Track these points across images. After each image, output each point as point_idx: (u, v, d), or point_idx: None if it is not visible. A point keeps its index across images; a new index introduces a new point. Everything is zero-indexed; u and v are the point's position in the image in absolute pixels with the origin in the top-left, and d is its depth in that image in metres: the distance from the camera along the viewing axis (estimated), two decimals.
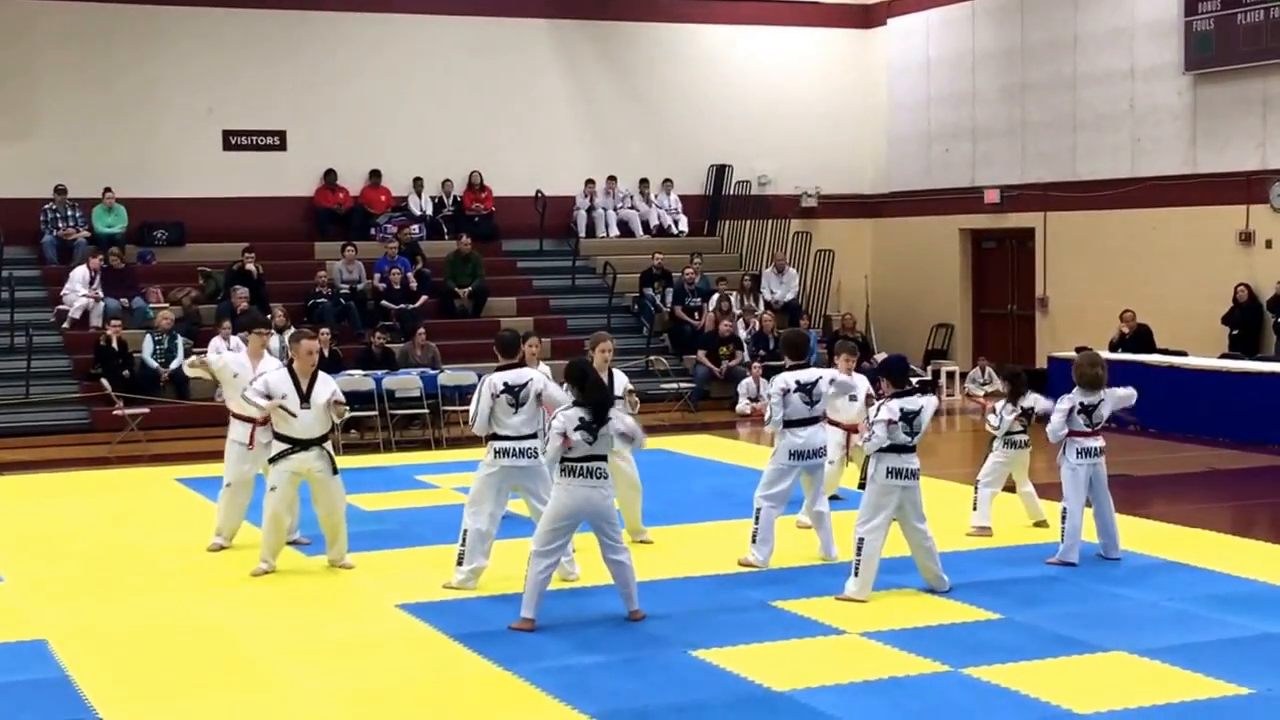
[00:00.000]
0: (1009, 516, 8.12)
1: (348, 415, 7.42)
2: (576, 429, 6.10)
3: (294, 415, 7.09)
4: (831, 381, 7.40)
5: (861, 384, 8.31)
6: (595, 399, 6.15)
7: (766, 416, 7.43)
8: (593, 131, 17.52)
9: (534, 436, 6.82)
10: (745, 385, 14.61)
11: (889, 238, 18.43)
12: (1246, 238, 14.12)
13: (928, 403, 6.72)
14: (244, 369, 7.79)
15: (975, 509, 8.01)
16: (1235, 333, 13.80)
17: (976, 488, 8.05)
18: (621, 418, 6.42)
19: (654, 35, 17.72)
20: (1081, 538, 7.26)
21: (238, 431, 7.78)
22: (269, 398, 7.12)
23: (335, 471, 7.26)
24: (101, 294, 14.39)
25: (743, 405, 14.49)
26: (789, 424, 7.27)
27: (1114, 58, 15.24)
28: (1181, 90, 14.55)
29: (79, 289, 14.34)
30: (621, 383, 7.59)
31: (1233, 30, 13.90)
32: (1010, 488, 8.19)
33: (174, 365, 13.51)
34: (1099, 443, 7.30)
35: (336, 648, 6.05)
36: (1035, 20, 16.20)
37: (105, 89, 15.62)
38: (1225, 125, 14.19)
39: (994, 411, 8.17)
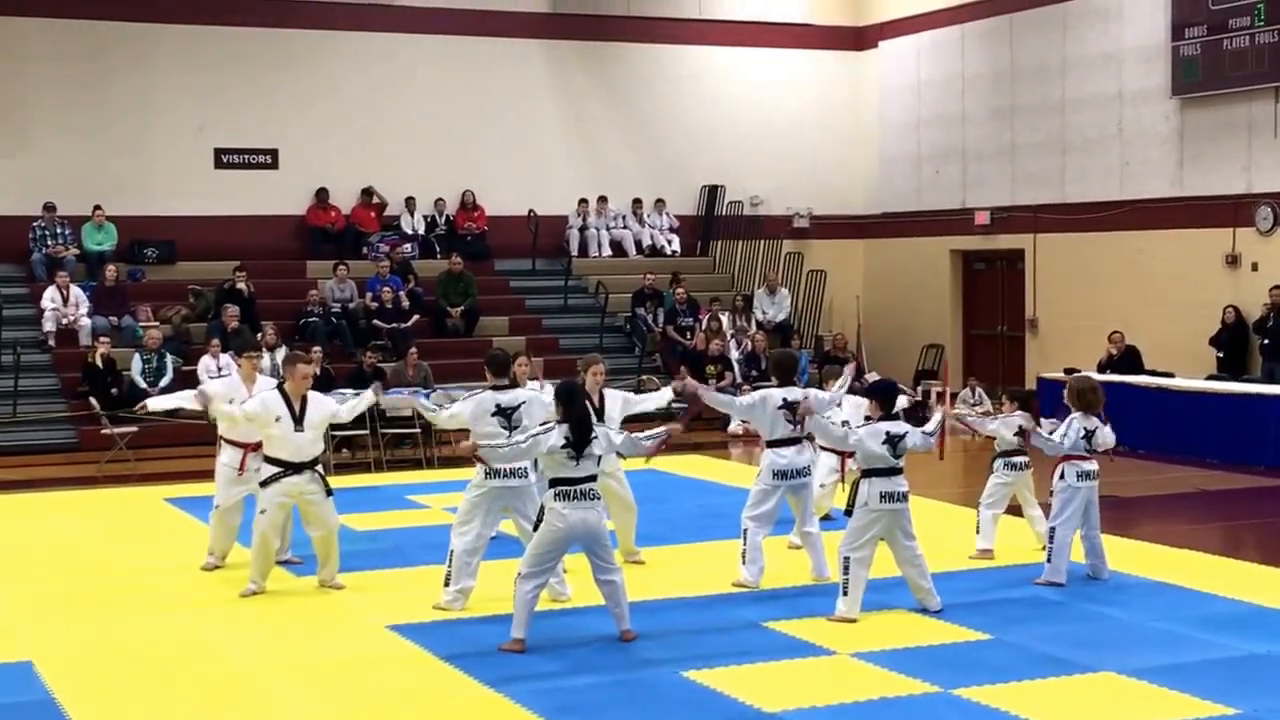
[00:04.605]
0: (1014, 539, 8.08)
1: (377, 398, 7.52)
2: (562, 446, 6.11)
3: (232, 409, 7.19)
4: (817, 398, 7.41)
5: (851, 404, 8.30)
6: (579, 422, 6.16)
7: (726, 398, 7.48)
8: (585, 151, 17.59)
9: None
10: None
11: (880, 258, 18.51)
12: (1233, 260, 14.22)
13: (912, 430, 6.74)
14: (239, 394, 7.75)
15: (978, 532, 7.99)
16: (1222, 354, 13.88)
17: (979, 510, 8.03)
18: (610, 436, 6.41)
19: (647, 56, 17.82)
20: (1069, 557, 7.28)
21: (228, 456, 7.75)
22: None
23: (329, 493, 7.24)
24: (78, 312, 14.37)
25: (734, 425, 14.50)
26: (773, 444, 7.28)
27: (1102, 81, 15.37)
28: (1169, 114, 14.68)
29: (49, 307, 14.30)
30: (615, 403, 7.57)
31: (1219, 55, 14.04)
32: (1017, 510, 8.15)
33: (163, 384, 13.49)
34: (1096, 466, 7.32)
35: (326, 668, 6.03)
36: (1024, 44, 16.34)
37: (96, 106, 15.64)
38: (1212, 149, 14.31)
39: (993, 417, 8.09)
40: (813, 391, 7.64)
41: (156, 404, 8.08)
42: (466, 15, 16.94)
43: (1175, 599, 7.02)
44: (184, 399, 7.95)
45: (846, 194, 18.60)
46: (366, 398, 7.48)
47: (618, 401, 7.56)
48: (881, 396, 6.84)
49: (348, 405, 7.45)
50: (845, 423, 7.26)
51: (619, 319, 16.53)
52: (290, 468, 7.12)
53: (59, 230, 15.30)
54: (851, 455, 7.55)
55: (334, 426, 8.37)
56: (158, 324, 14.37)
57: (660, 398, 7.97)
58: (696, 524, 9.16)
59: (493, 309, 16.09)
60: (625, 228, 17.67)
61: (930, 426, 6.87)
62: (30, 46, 15.46)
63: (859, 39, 18.62)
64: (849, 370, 8.28)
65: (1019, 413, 7.85)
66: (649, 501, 8.64)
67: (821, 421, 7.05)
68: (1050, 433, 7.30)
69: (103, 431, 12.58)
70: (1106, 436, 7.35)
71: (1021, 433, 7.85)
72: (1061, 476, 7.26)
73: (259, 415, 7.14)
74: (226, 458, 7.75)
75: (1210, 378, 13.48)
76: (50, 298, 14.43)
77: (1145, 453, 12.21)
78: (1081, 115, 15.61)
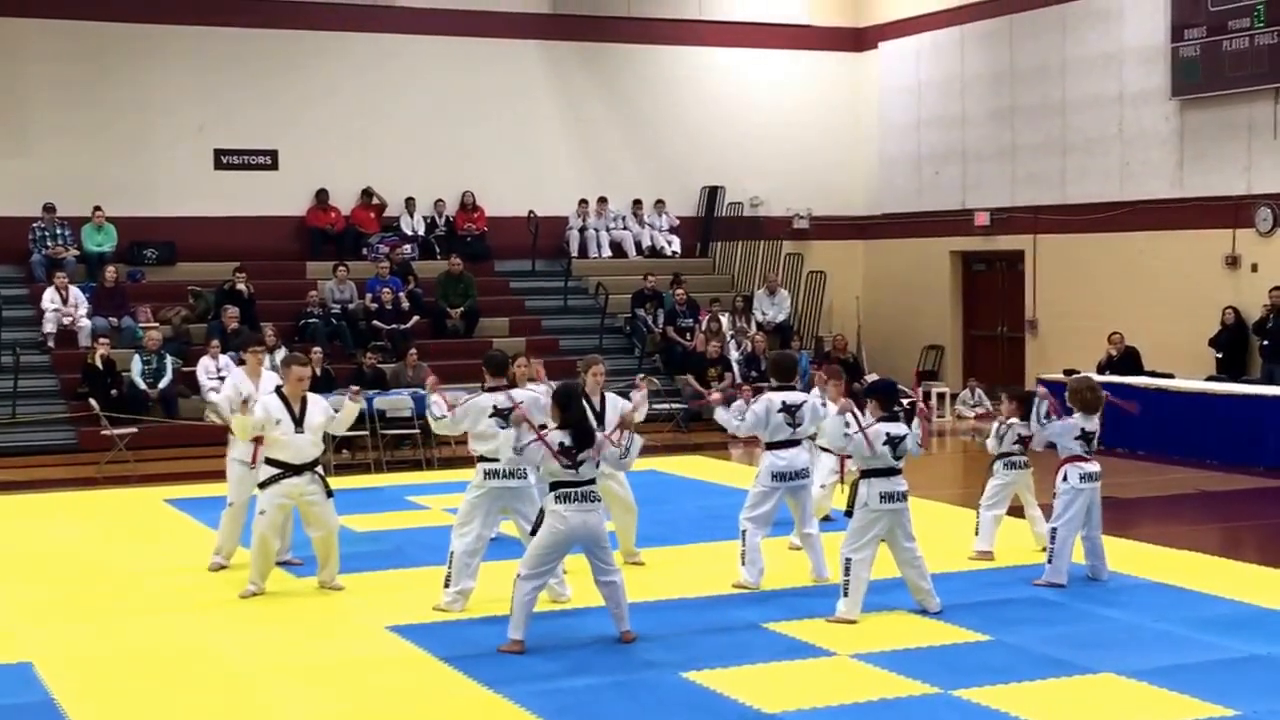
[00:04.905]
0: (1013, 540, 8.08)
1: (359, 405, 7.39)
2: (557, 452, 6.11)
3: (250, 409, 7.07)
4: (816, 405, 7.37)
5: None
6: (578, 426, 6.15)
7: (737, 422, 7.36)
8: (585, 152, 17.60)
9: None
10: (737, 407, 14.57)
11: (880, 259, 18.52)
12: (1233, 261, 14.22)
13: (911, 432, 6.74)
14: (248, 389, 7.76)
15: (977, 533, 7.98)
16: (1221, 355, 13.88)
17: (979, 511, 8.01)
18: (604, 449, 6.33)
19: (647, 57, 17.83)
20: (1070, 559, 7.28)
21: (240, 450, 7.76)
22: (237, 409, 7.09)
23: (329, 495, 7.24)
24: (77, 313, 14.36)
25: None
26: (771, 445, 7.28)
27: (1102, 82, 15.38)
28: (1169, 115, 14.68)
29: (48, 308, 14.30)
30: (614, 405, 7.53)
31: (1218, 56, 14.04)
32: (1018, 511, 8.14)
33: (162, 385, 13.50)
34: (1099, 468, 7.31)
35: (325, 669, 6.03)
36: (1024, 45, 16.35)
37: (96, 107, 15.63)
38: (1211, 150, 14.32)
39: (994, 433, 8.07)
40: (815, 397, 7.62)
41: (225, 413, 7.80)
42: (466, 16, 16.94)
43: (1175, 600, 7.02)
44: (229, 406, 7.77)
45: (846, 195, 18.60)
46: (349, 409, 7.38)
47: (616, 409, 7.53)
48: (882, 396, 6.84)
49: (339, 419, 7.38)
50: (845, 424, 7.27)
51: (619, 320, 16.53)
52: (290, 469, 7.12)
53: (59, 231, 15.29)
54: (850, 456, 7.53)
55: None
56: (157, 325, 14.36)
57: (641, 408, 7.62)
58: (696, 525, 9.16)
59: (493, 310, 16.09)
60: (625, 229, 17.68)
61: (918, 437, 6.84)
62: (30, 47, 15.46)
63: (859, 40, 18.62)
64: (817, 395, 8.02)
65: (1017, 420, 7.85)
66: (649, 503, 8.64)
67: (835, 423, 7.01)
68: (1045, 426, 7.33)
69: (102, 432, 12.57)
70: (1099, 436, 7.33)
71: (1022, 440, 7.85)
72: (1065, 478, 7.25)
73: (261, 420, 7.15)
74: (238, 452, 7.76)
75: (1210, 379, 13.48)
76: (50, 299, 14.43)
77: (1145, 454, 12.21)
78: (1081, 116, 15.61)
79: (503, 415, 6.82)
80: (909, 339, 17.56)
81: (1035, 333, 16.44)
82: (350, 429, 10.06)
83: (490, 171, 16.99)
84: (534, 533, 6.31)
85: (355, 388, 7.54)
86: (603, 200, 17.48)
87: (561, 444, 6.13)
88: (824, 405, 7.45)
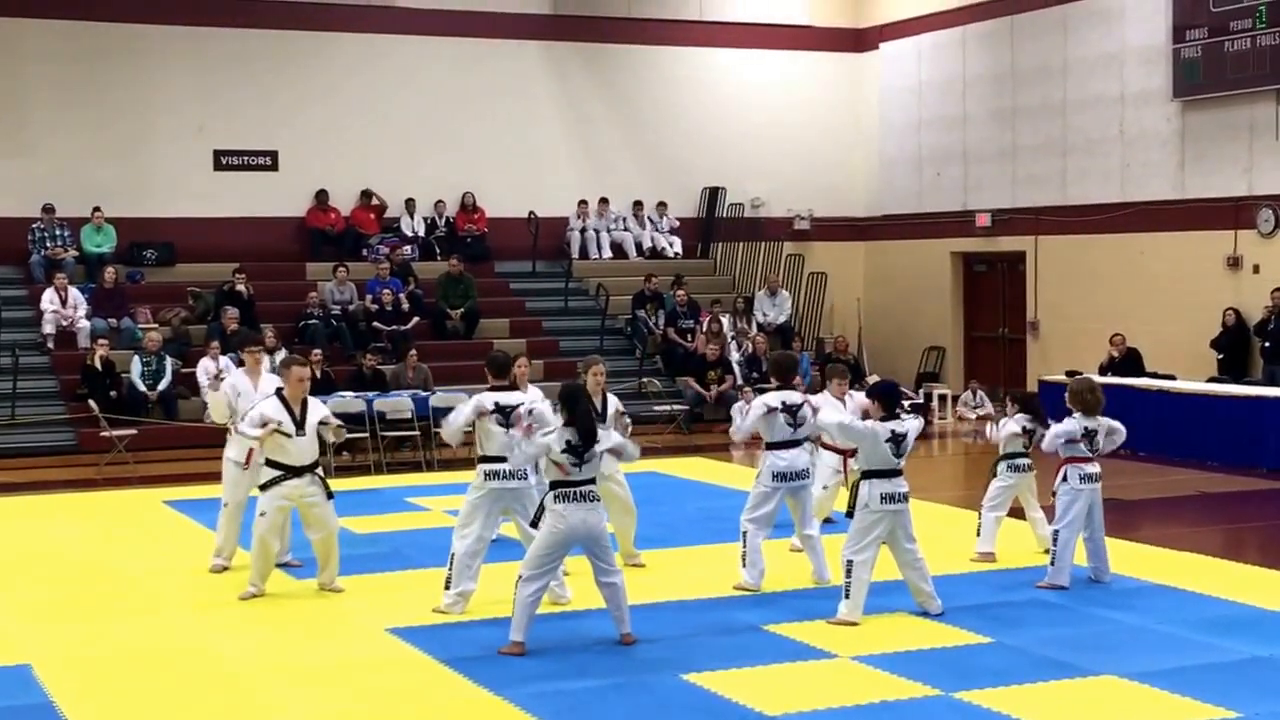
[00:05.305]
0: (1015, 542, 8.07)
1: (345, 436, 7.36)
2: (563, 451, 6.10)
3: (289, 435, 7.05)
4: (815, 409, 7.34)
5: (852, 404, 8.23)
6: (584, 425, 6.15)
7: (734, 426, 7.39)
8: (585, 153, 17.59)
9: None
10: (738, 408, 14.54)
11: (881, 261, 18.51)
12: (1234, 262, 14.22)
13: (913, 425, 6.75)
14: (246, 388, 7.76)
15: (979, 535, 7.97)
16: (1223, 357, 13.87)
17: (981, 513, 8.00)
18: (609, 435, 6.40)
19: (647, 58, 17.83)
20: (1072, 561, 7.27)
21: (234, 450, 7.75)
22: (263, 425, 7.08)
23: (329, 496, 7.23)
24: (76, 314, 14.34)
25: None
26: (772, 446, 7.26)
27: (1103, 83, 15.37)
28: (1170, 116, 14.68)
29: (47, 309, 14.28)
30: (614, 406, 7.57)
31: (1220, 57, 14.03)
32: (1019, 513, 8.13)
33: (162, 386, 13.49)
34: (1099, 468, 7.30)
35: (325, 672, 6.02)
36: (1025, 45, 16.34)
37: (95, 107, 15.63)
38: (1213, 151, 14.31)
39: (997, 423, 8.07)
40: (817, 398, 7.61)
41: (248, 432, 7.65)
42: (466, 16, 16.94)
43: (1177, 602, 7.01)
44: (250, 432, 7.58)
45: (847, 196, 18.60)
46: (332, 426, 7.37)
47: (614, 404, 7.54)
48: (884, 398, 6.83)
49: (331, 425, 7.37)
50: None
51: (619, 321, 16.52)
52: (290, 471, 7.11)
53: (58, 232, 15.28)
54: (853, 454, 7.52)
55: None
56: (157, 326, 14.34)
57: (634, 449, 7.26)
58: (697, 526, 9.15)
59: (493, 311, 16.08)
60: (626, 230, 17.67)
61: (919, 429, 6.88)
62: (30, 47, 15.45)
63: (859, 41, 18.61)
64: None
65: (1020, 415, 7.85)
66: (649, 504, 8.63)
67: (827, 415, 6.97)
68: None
69: (102, 434, 12.56)
70: (1102, 439, 7.30)
71: (1026, 432, 7.84)
72: (1064, 479, 7.24)
73: (261, 417, 7.13)
74: (234, 452, 7.74)
75: (1211, 380, 13.47)
76: (49, 300, 14.42)
77: (1147, 455, 12.19)
78: (1083, 117, 15.61)
79: (503, 412, 6.80)
80: (910, 340, 17.55)
81: (1036, 334, 16.43)
82: (351, 430, 10.01)
83: (490, 172, 16.98)
84: (534, 524, 6.30)
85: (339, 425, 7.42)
86: (604, 201, 17.46)
87: (568, 442, 6.12)
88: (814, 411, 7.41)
